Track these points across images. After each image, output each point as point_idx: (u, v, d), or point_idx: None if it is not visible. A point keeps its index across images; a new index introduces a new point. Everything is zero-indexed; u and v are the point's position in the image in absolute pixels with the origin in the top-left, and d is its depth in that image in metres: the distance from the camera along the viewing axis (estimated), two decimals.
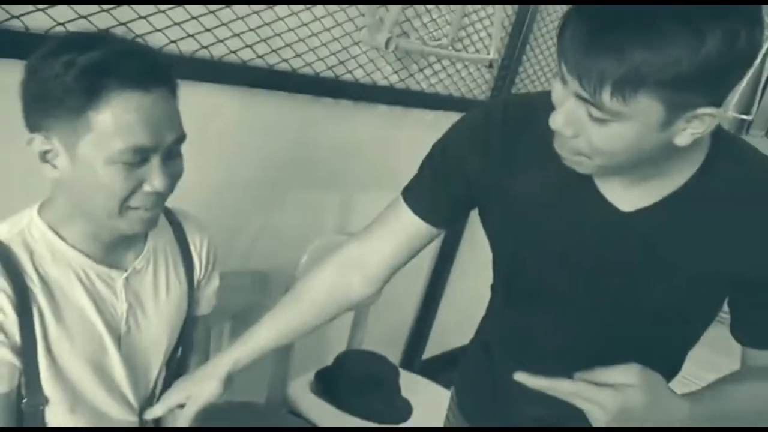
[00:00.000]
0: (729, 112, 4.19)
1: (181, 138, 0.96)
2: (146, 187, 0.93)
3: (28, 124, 0.92)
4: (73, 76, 0.85)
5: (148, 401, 1.17)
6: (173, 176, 0.97)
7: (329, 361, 1.97)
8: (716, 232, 0.90)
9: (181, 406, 1.13)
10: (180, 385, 1.15)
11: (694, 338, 1.07)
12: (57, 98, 0.86)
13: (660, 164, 0.87)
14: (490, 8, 2.13)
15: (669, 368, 1.06)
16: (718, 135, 0.90)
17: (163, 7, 1.33)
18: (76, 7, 1.22)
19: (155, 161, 0.92)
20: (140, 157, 0.91)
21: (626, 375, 0.85)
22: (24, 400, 0.99)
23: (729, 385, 0.97)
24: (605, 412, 0.85)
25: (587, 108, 0.78)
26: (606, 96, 0.74)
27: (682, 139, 0.80)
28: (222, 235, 1.74)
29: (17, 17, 1.15)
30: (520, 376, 0.88)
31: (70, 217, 0.98)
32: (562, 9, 2.45)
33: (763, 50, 4.18)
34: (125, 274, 1.05)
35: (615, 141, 0.80)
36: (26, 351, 0.96)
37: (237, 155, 1.64)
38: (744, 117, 4.52)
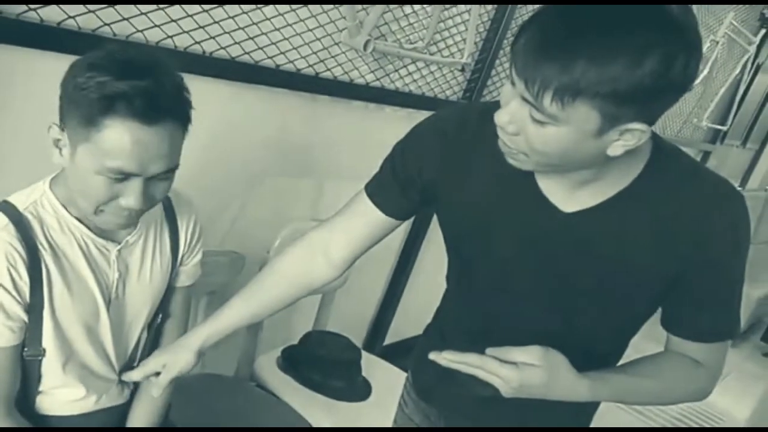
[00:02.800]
0: (704, 122, 4.39)
1: (173, 168, 1.06)
2: (121, 201, 1.05)
3: (59, 112, 1.05)
4: (94, 94, 0.97)
5: (128, 364, 1.33)
6: (153, 197, 1.08)
7: (296, 339, 2.12)
8: (651, 234, 0.99)
9: (157, 374, 1.26)
10: (157, 355, 1.27)
11: (632, 331, 1.17)
12: (76, 103, 0.99)
13: (598, 170, 0.96)
14: (466, 14, 2.31)
15: (612, 353, 1.19)
16: (658, 145, 1.00)
17: (162, 5, 1.48)
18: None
19: (136, 183, 1.03)
20: (120, 177, 1.02)
21: (528, 355, 0.98)
22: (25, 350, 1.14)
23: (645, 366, 1.10)
24: (506, 386, 0.99)
25: (529, 109, 0.86)
26: (547, 100, 0.83)
27: (614, 150, 0.89)
28: (202, 217, 1.90)
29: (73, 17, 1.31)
30: (433, 355, 1.02)
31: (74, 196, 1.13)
32: None
33: (743, 60, 4.36)
34: (118, 247, 1.19)
35: (551, 142, 0.88)
36: (33, 309, 1.11)
37: (221, 143, 1.80)
38: (719, 127, 4.72)
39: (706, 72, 3.90)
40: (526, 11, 2.53)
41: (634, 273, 1.03)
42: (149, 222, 1.25)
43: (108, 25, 1.41)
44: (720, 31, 3.81)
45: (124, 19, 1.42)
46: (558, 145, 0.89)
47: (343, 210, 1.25)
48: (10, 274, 1.06)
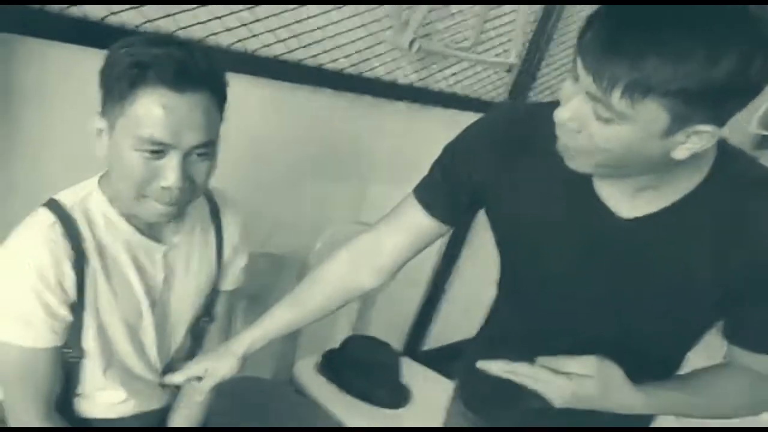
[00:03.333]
0: (752, 127, 4.27)
1: (209, 143, 1.04)
2: (162, 182, 1.02)
3: (100, 103, 1.04)
4: (124, 66, 0.97)
5: (169, 367, 1.31)
6: (193, 177, 1.05)
7: (335, 343, 2.11)
8: (714, 242, 0.95)
9: (199, 379, 1.25)
10: (200, 359, 1.26)
11: (691, 342, 1.12)
12: (110, 84, 0.99)
13: (660, 175, 0.92)
14: (513, 13, 2.26)
15: (667, 368, 1.14)
16: (723, 150, 0.95)
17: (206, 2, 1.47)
18: None
19: (174, 158, 1.01)
20: (159, 149, 1.00)
21: (583, 365, 0.96)
22: (67, 351, 1.13)
23: (702, 379, 1.06)
24: (557, 396, 0.97)
25: (594, 106, 0.83)
26: (615, 96, 0.79)
27: (680, 153, 0.85)
28: (244, 219, 1.89)
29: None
30: (482, 364, 1.00)
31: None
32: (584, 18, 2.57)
33: None
34: (164, 248, 1.18)
35: (615, 141, 0.85)
36: (77, 309, 1.10)
37: (262, 143, 1.78)
38: (766, 133, 4.60)
39: None
40: (575, 10, 2.47)
41: (694, 282, 0.98)
42: (194, 224, 1.24)
43: (152, 21, 1.40)
44: None
45: (168, 15, 1.42)
46: (621, 144, 0.85)
47: (389, 215, 1.23)
48: (56, 274, 1.05)
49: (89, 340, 1.14)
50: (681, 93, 0.77)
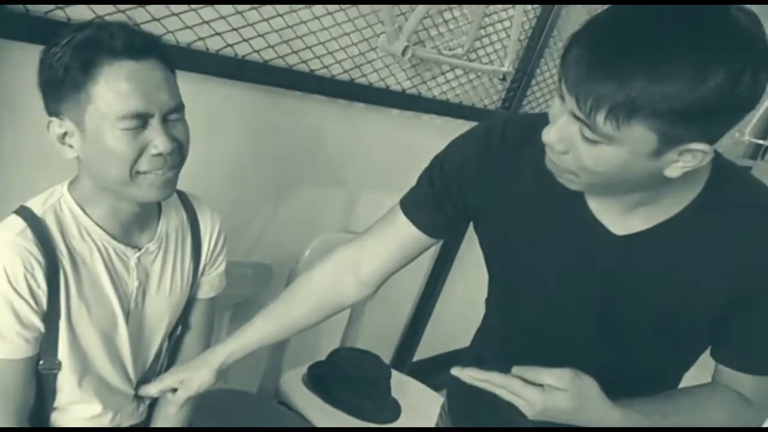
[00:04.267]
0: (746, 136, 4.28)
1: (179, 107, 1.06)
2: (152, 149, 1.02)
3: (46, 110, 1.03)
4: (69, 54, 0.96)
5: (146, 377, 1.28)
6: (178, 140, 1.06)
7: (323, 355, 2.07)
8: (708, 259, 0.94)
9: (174, 391, 1.24)
10: (175, 371, 1.25)
11: (688, 360, 1.11)
12: (60, 78, 0.98)
13: (653, 192, 0.91)
14: (507, 21, 2.25)
15: (664, 386, 1.11)
16: (719, 165, 0.93)
17: (194, 5, 1.45)
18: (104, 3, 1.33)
19: (155, 124, 1.02)
20: (140, 121, 1.00)
21: (557, 378, 0.93)
22: (40, 362, 1.10)
23: (683, 398, 1.05)
24: (528, 408, 0.94)
25: (580, 127, 0.82)
26: (600, 119, 0.78)
27: (673, 171, 0.84)
28: (229, 226, 1.86)
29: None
30: (455, 370, 0.99)
31: (94, 195, 1.09)
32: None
33: None
34: (138, 254, 1.16)
35: (602, 162, 0.84)
36: (50, 318, 1.07)
37: (251, 149, 1.76)
38: (761, 142, 4.61)
39: None
40: (569, 20, 2.46)
41: (688, 299, 0.97)
42: (169, 229, 1.23)
43: (138, 25, 1.36)
44: None
45: (155, 19, 1.39)
46: (610, 165, 0.84)
47: (375, 225, 1.21)
48: (27, 281, 1.03)
49: (63, 351, 1.11)
50: (668, 114, 0.76)
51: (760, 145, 4.67)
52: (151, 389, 1.24)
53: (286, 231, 1.99)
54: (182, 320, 1.32)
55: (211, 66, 1.52)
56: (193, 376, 1.22)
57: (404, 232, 1.15)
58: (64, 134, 1.03)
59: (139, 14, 1.37)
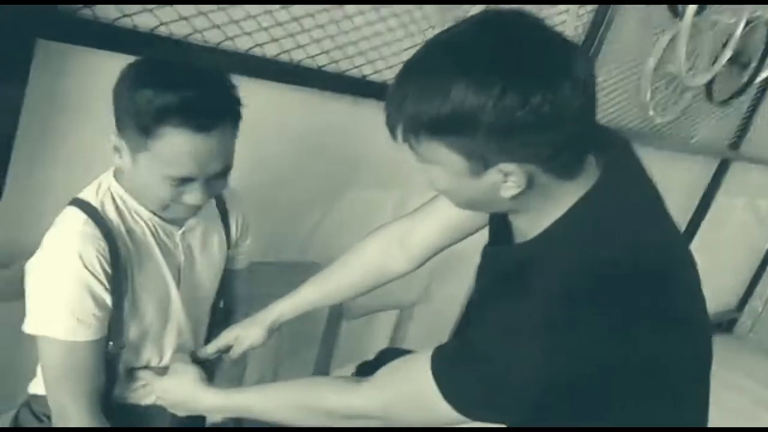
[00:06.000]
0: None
1: (226, 169, 1.14)
2: (186, 199, 1.13)
3: (116, 120, 1.11)
4: (146, 109, 1.03)
5: (199, 343, 1.39)
6: (213, 193, 1.17)
7: (371, 355, 2.12)
8: None
9: (228, 350, 1.37)
10: (229, 329, 1.38)
11: None
12: (130, 115, 1.05)
13: (520, 205, 0.94)
14: (561, 26, 2.26)
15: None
16: (611, 165, 0.95)
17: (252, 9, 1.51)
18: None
19: (198, 184, 1.11)
20: (183, 181, 1.10)
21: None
22: (110, 343, 1.17)
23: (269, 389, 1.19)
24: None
25: None
26: (399, 139, 0.90)
27: (505, 191, 0.89)
28: (283, 227, 1.92)
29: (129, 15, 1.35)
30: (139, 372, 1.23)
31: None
32: (629, 33, 2.56)
33: None
34: (182, 230, 1.25)
35: (435, 182, 0.95)
36: (118, 299, 1.15)
37: (303, 152, 1.83)
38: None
39: None
40: (625, 21, 2.46)
41: None
42: (206, 208, 1.28)
43: (165, 24, 1.41)
44: None
45: (183, 18, 1.43)
46: (442, 185, 0.94)
47: (426, 203, 1.30)
48: (101, 264, 1.11)
49: (129, 329, 1.20)
50: (439, 128, 0.85)
51: None
52: (209, 348, 1.36)
53: (339, 232, 2.05)
54: (224, 292, 1.43)
55: (263, 70, 1.59)
56: (247, 333, 1.36)
57: (452, 212, 1.19)
58: (117, 148, 1.12)
59: (199, 22, 1.44)
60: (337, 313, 1.95)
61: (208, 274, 1.34)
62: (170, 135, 1.04)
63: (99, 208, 1.15)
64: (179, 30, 1.42)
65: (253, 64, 1.55)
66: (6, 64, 1.23)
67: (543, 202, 0.93)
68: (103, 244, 1.12)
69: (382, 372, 1.07)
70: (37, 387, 1.26)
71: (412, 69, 0.88)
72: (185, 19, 1.42)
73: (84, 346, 1.12)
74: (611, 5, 2.37)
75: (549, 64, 0.82)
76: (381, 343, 2.21)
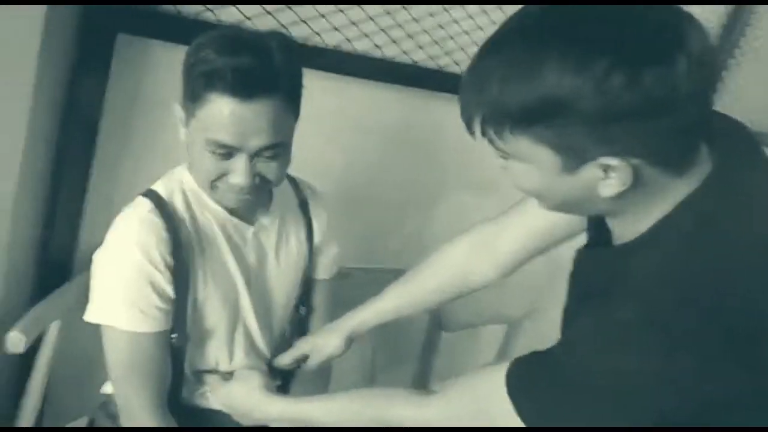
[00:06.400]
0: None
1: (275, 146, 1.07)
2: (230, 178, 1.07)
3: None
4: (197, 71, 1.01)
5: (276, 352, 1.31)
6: (263, 176, 1.09)
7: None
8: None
9: (305, 359, 1.28)
10: (307, 337, 1.30)
11: None
12: (187, 80, 1.04)
13: (621, 205, 0.81)
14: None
15: None
16: (727, 155, 0.81)
17: (342, 6, 1.48)
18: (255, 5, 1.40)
19: (241, 159, 1.05)
20: (224, 151, 1.04)
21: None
22: (173, 335, 1.14)
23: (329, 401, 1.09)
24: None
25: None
26: (477, 132, 0.78)
27: (605, 190, 0.76)
28: (377, 233, 1.86)
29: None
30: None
31: None
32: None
33: None
34: (254, 228, 1.21)
35: (521, 180, 0.81)
36: (180, 290, 1.12)
37: (400, 153, 1.77)
38: None
39: None
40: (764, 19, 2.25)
41: None
42: (284, 208, 1.27)
43: (285, 27, 1.42)
44: None
45: (302, 21, 1.43)
46: (530, 183, 0.81)
47: (516, 206, 1.16)
48: (160, 254, 1.09)
49: (194, 325, 1.17)
50: (527, 118, 0.72)
51: None
52: (286, 358, 1.29)
53: (435, 237, 1.95)
54: (304, 300, 1.36)
55: (358, 67, 1.54)
56: (325, 342, 1.26)
57: (546, 214, 1.03)
58: (180, 119, 1.10)
59: (285, 16, 1.42)
60: (436, 325, 1.86)
61: (283, 279, 1.28)
62: (212, 101, 1.01)
63: (166, 198, 1.14)
64: (263, 23, 1.40)
65: (348, 61, 1.52)
66: (88, 58, 1.26)
67: (647, 201, 0.80)
68: (164, 233, 1.10)
69: (454, 385, 0.96)
70: (109, 387, 1.26)
71: (493, 49, 0.75)
72: (269, 13, 1.40)
73: (146, 338, 1.10)
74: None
75: (660, 36, 0.69)
76: (485, 359, 2.09)
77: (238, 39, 1.03)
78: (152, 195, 1.13)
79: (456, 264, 1.22)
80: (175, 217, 1.12)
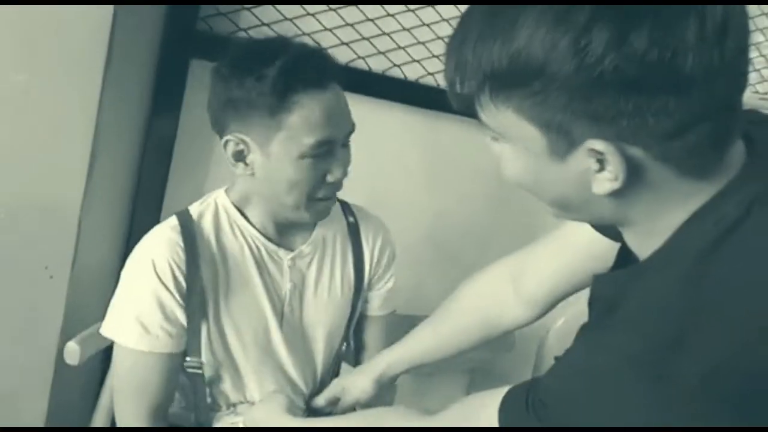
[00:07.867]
0: None
1: (353, 129, 1.08)
2: (329, 178, 1.05)
3: (216, 127, 1.07)
4: (266, 85, 0.99)
5: (318, 389, 1.25)
6: (347, 165, 1.08)
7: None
8: None
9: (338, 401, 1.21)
10: (338, 379, 1.23)
11: None
12: (250, 103, 1.01)
13: (625, 211, 0.68)
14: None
15: None
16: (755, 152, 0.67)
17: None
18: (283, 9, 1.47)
19: (337, 152, 1.05)
20: (325, 149, 1.03)
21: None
22: (187, 359, 1.11)
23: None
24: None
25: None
26: (457, 87, 0.65)
27: (598, 186, 0.63)
28: (440, 271, 1.80)
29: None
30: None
31: (251, 199, 1.13)
32: None
33: None
34: (292, 255, 1.15)
35: (511, 166, 0.69)
36: (193, 315, 1.08)
37: (455, 182, 1.75)
38: None
39: None
40: None
41: None
42: (327, 236, 1.21)
43: (308, 35, 1.45)
44: None
45: (326, 29, 1.47)
46: (516, 169, 0.69)
47: (552, 234, 1.03)
48: (173, 275, 1.05)
49: (213, 349, 1.12)
50: (501, 81, 0.61)
51: None
52: (321, 399, 1.22)
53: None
54: (353, 337, 1.30)
55: (404, 94, 1.60)
56: (353, 384, 1.18)
57: (584, 238, 0.93)
58: (241, 152, 1.05)
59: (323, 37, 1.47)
60: None
61: (323, 311, 1.20)
62: (299, 102, 1.01)
63: (195, 218, 1.11)
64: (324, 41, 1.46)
65: (368, 83, 1.55)
66: (164, 82, 1.35)
67: (660, 209, 0.66)
68: (181, 253, 1.06)
69: (454, 405, 0.89)
70: None
71: (476, 7, 0.64)
72: (308, 35, 1.47)
73: (151, 358, 1.06)
74: None
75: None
76: (523, 374, 2.10)
77: (270, 44, 1.05)
78: (183, 214, 1.11)
79: (478, 305, 1.12)
80: (198, 237, 1.09)
